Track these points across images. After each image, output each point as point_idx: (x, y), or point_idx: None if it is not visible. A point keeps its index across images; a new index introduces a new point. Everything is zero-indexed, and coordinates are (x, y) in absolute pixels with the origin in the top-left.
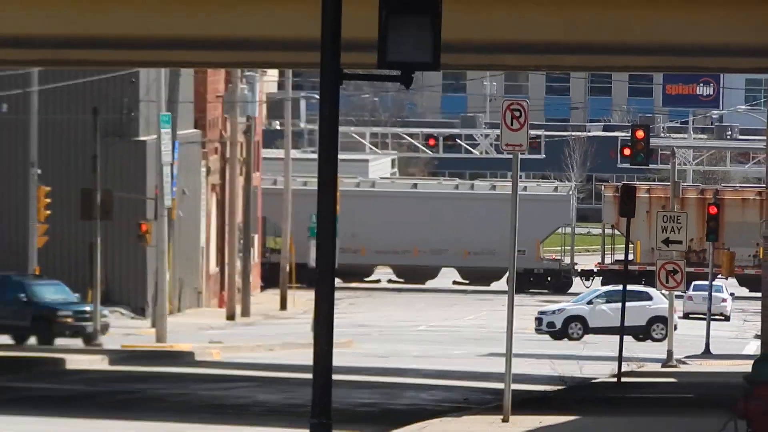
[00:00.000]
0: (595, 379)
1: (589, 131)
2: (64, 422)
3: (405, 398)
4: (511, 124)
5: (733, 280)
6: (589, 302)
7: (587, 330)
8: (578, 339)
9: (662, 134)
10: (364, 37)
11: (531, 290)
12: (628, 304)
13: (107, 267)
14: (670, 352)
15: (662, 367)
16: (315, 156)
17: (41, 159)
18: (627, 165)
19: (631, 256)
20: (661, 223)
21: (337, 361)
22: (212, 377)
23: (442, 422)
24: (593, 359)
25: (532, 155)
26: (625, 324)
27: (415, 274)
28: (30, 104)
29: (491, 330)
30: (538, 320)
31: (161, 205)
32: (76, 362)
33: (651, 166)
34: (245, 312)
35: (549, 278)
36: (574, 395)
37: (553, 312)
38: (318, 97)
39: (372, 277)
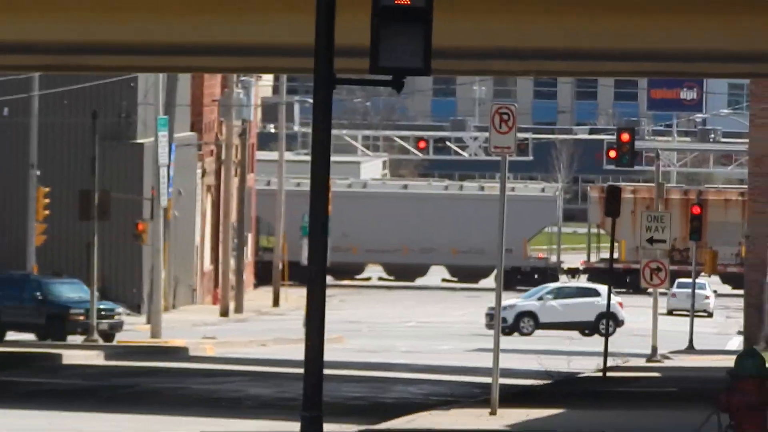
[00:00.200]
0: (581, 373)
1: (576, 134)
2: (62, 416)
3: (394, 392)
4: (500, 127)
5: (716, 278)
6: (540, 298)
7: (538, 325)
8: (529, 334)
9: (647, 137)
10: (356, 44)
11: (518, 287)
12: (576, 300)
13: (104, 265)
14: (654, 348)
15: (647, 362)
16: (308, 158)
17: (41, 160)
18: (613, 167)
19: (616, 255)
20: (646, 223)
21: (328, 356)
22: (206, 372)
23: (430, 415)
24: (579, 354)
25: (520, 157)
26: (575, 319)
27: (404, 272)
28: (31, 108)
29: (479, 326)
30: (489, 316)
31: (157, 206)
32: (72, 357)
33: (636, 167)
34: (239, 309)
35: (536, 276)
36: (560, 389)
37: (504, 308)
38: (312, 101)
39: (363, 275)
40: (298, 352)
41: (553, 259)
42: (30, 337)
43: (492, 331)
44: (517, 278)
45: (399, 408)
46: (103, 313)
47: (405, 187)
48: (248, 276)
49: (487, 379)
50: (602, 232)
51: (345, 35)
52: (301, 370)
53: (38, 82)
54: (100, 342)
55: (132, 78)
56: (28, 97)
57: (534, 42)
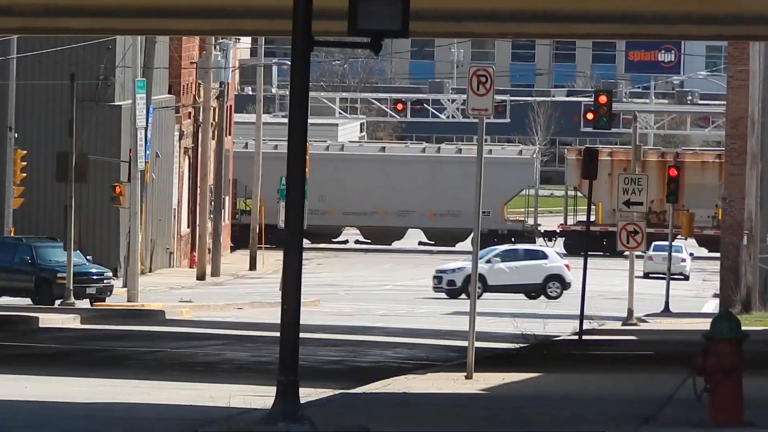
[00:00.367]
0: (557, 337)
1: (553, 96)
2: (37, 380)
3: (371, 356)
4: (477, 90)
5: (692, 241)
6: (488, 261)
7: (487, 288)
8: (478, 297)
9: (624, 99)
10: (335, 6)
11: None
12: (523, 263)
13: (81, 228)
14: (630, 311)
15: (622, 325)
16: (286, 120)
17: (18, 123)
18: (590, 129)
19: (593, 218)
20: (623, 185)
21: (304, 320)
22: (182, 335)
23: (406, 379)
24: (555, 317)
25: (498, 119)
26: (523, 282)
27: (382, 236)
28: (9, 71)
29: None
30: (438, 278)
31: (135, 168)
32: (48, 321)
33: (613, 130)
34: (215, 272)
35: (513, 239)
36: (536, 353)
37: (453, 270)
38: (289, 63)
39: (340, 239)
40: (274, 316)
41: (530, 221)
42: (26, 301)
43: (439, 294)
44: (494, 241)
45: (375, 372)
46: (94, 277)
47: (382, 149)
48: (225, 239)
49: (464, 343)
50: (579, 194)
51: None
52: (277, 334)
53: (16, 44)
54: (78, 305)
55: (110, 40)
56: (5, 59)
57: (511, 4)
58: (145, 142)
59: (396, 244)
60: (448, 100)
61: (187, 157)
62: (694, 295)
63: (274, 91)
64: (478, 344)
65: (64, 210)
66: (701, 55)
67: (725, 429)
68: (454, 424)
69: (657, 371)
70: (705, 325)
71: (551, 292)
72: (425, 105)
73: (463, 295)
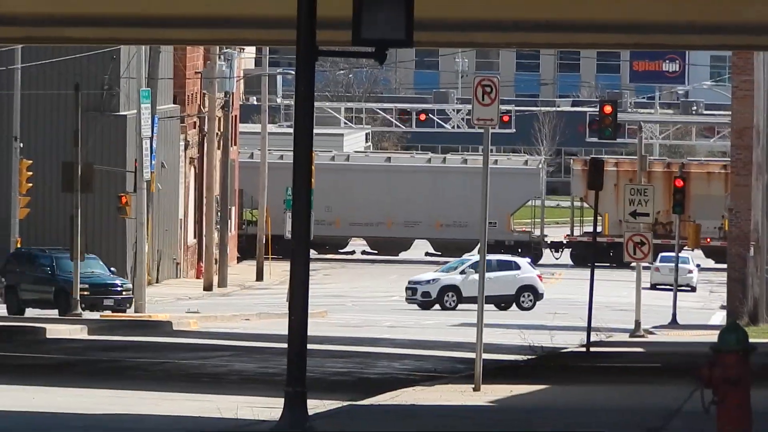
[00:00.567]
0: (564, 348)
1: (559, 106)
2: (45, 390)
3: (378, 367)
4: (483, 100)
5: (699, 252)
6: (462, 272)
7: (461, 300)
8: (452, 309)
9: (629, 109)
10: (339, 15)
11: None
12: (497, 273)
13: (87, 238)
14: (637, 323)
15: (630, 337)
16: (291, 130)
17: (24, 133)
18: (595, 139)
19: (599, 229)
20: (629, 196)
21: (311, 331)
22: (189, 346)
23: (414, 391)
24: (562, 329)
25: (503, 130)
26: (496, 293)
27: (388, 246)
28: (14, 80)
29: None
30: (411, 290)
31: (140, 178)
32: (56, 332)
33: (619, 140)
34: (222, 283)
35: (519, 250)
36: (544, 365)
37: (428, 282)
38: (294, 73)
39: (346, 249)
40: (281, 327)
41: (537, 232)
42: (53, 313)
43: (411, 306)
44: (500, 252)
45: (383, 384)
46: (116, 288)
47: (388, 160)
48: (232, 250)
49: (471, 354)
50: (585, 205)
51: (327, 7)
52: (284, 345)
53: (21, 54)
54: (85, 316)
55: (114, 50)
56: (10, 70)
57: (516, 13)
58: (151, 152)
59: (403, 255)
60: (453, 110)
61: (192, 167)
62: (702, 306)
63: (279, 100)
64: (485, 356)
65: (70, 220)
66: (705, 65)
67: None
68: None
69: (664, 383)
70: (712, 337)
71: (524, 303)
72: (430, 115)
73: (437, 306)
